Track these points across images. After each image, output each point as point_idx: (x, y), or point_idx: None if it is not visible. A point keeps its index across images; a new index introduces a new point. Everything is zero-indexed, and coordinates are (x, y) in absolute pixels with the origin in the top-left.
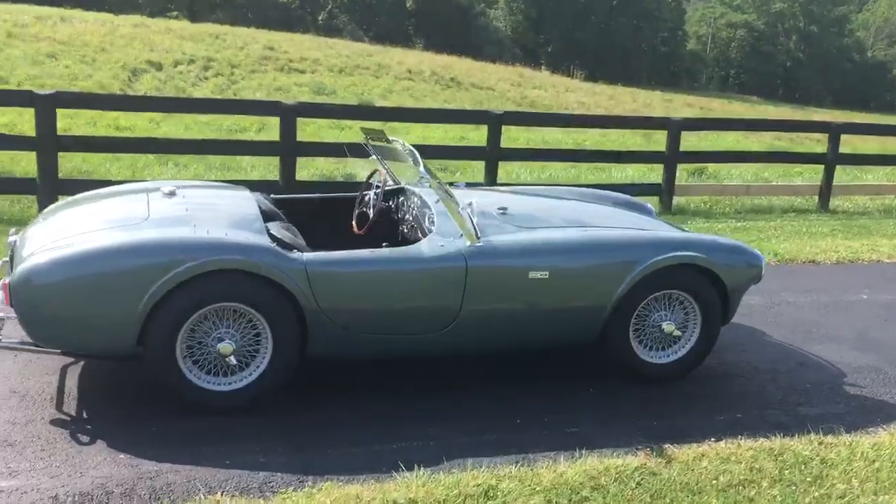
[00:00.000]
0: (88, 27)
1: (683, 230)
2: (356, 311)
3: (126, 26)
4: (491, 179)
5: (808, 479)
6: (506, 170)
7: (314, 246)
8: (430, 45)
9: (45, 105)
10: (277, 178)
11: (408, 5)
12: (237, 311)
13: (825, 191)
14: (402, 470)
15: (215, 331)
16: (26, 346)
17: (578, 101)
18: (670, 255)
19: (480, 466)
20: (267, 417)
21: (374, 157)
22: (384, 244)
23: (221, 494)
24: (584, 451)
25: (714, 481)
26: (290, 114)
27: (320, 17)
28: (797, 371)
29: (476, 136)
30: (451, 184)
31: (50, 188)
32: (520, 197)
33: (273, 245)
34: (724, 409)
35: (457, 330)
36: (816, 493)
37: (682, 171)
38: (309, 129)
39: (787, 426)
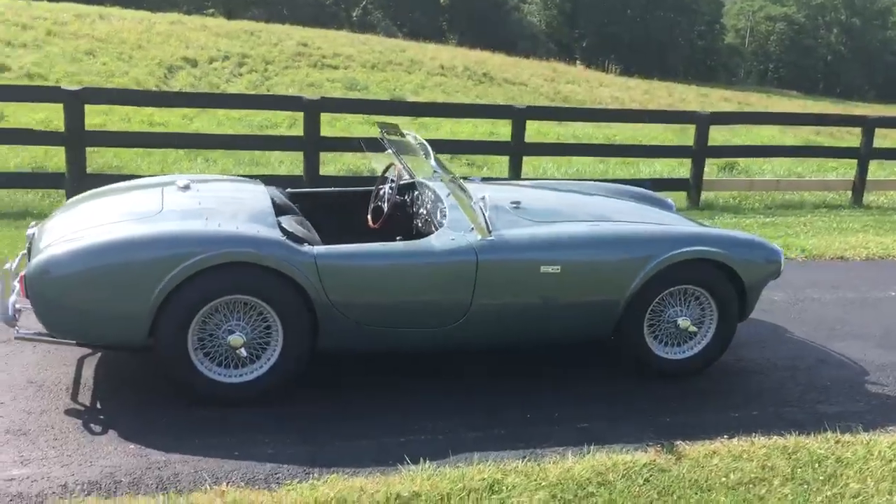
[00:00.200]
0: (126, 25)
1: (702, 225)
2: (366, 304)
3: (163, 24)
4: (515, 174)
5: (822, 477)
6: (532, 165)
7: (329, 240)
8: (464, 40)
9: (73, 101)
10: (302, 174)
11: (442, 1)
12: (248, 303)
13: (858, 186)
14: (408, 463)
15: (226, 323)
16: (43, 337)
17: (612, 96)
18: (685, 249)
19: (487, 461)
20: (276, 409)
21: (389, 151)
22: (398, 238)
23: (227, 485)
24: (593, 447)
25: (724, 479)
26: (312, 109)
27: (355, 14)
28: (817, 368)
29: (506, 131)
30: (465, 178)
31: (78, 183)
32: (535, 191)
33: (283, 238)
34: (740, 407)
35: (468, 324)
36: (829, 492)
37: (713, 167)
38: (339, 125)
39: (803, 424)
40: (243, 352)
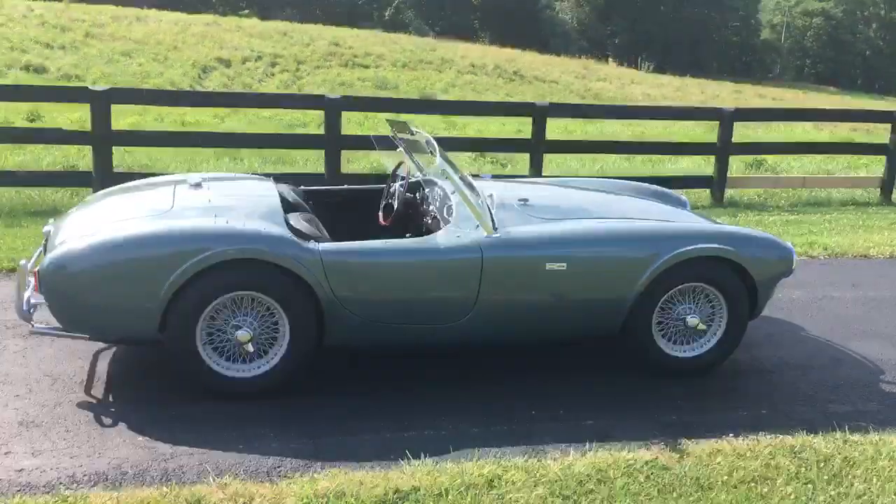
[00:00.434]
0: (162, 26)
1: (715, 222)
2: (372, 300)
3: (198, 25)
4: (536, 172)
5: (827, 476)
6: (556, 163)
7: (340, 237)
8: (496, 39)
9: (99, 101)
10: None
11: (473, 0)
12: (255, 299)
13: (887, 182)
14: (409, 458)
15: (234, 318)
16: (57, 332)
17: (644, 92)
18: (693, 247)
19: (488, 456)
20: (282, 404)
21: (400, 148)
22: (407, 235)
23: (230, 477)
24: (595, 444)
25: (726, 477)
26: (333, 107)
27: (387, 14)
28: (831, 368)
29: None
30: (474, 175)
31: (104, 181)
32: (544, 188)
33: (290, 235)
34: (749, 405)
35: (474, 321)
36: (833, 492)
37: (740, 163)
38: (367, 125)
39: (812, 423)
40: (250, 347)
